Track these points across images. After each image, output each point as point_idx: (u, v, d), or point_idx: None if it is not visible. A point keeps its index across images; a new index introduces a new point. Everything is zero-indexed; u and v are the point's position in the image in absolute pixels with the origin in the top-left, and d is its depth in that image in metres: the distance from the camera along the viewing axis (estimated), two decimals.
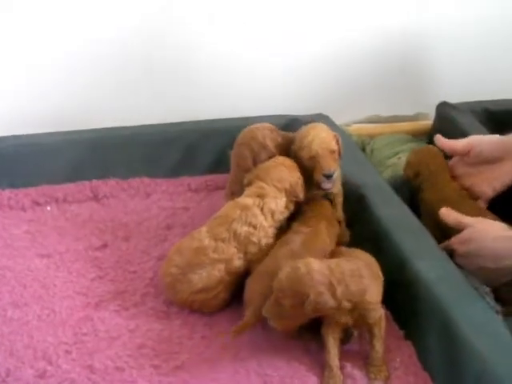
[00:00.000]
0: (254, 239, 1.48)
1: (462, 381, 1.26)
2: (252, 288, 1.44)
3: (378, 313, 1.35)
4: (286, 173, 1.54)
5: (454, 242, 1.54)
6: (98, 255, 1.67)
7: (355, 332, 1.41)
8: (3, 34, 1.98)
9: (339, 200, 1.67)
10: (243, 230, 1.48)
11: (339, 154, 1.62)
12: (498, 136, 1.73)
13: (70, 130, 1.97)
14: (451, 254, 1.53)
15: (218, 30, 2.12)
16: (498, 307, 1.49)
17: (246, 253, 1.48)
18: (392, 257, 1.50)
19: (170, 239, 1.72)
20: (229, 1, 2.11)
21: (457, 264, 1.50)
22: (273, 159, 1.58)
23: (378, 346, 1.35)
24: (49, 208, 1.85)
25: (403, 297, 1.45)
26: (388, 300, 1.48)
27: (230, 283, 1.48)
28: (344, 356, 1.37)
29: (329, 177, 1.57)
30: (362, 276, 1.32)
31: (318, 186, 1.59)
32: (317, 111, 2.09)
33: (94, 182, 1.92)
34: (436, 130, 2.17)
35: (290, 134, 1.67)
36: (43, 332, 1.42)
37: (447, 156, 1.80)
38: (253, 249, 1.48)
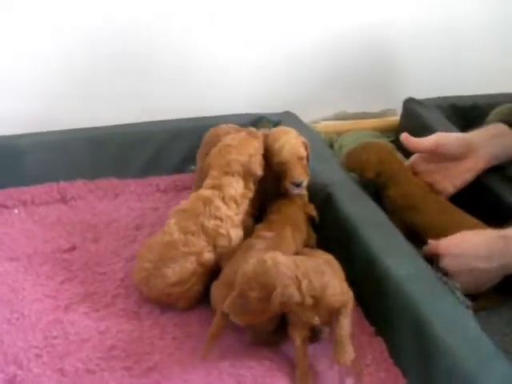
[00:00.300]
0: (223, 231, 1.48)
1: (433, 376, 1.26)
2: (216, 295, 1.44)
3: (343, 298, 1.33)
4: (235, 153, 1.52)
5: (442, 244, 1.54)
6: (66, 257, 1.66)
7: (324, 329, 1.40)
8: None
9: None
10: (210, 223, 1.47)
11: (307, 159, 1.64)
12: (462, 134, 1.76)
13: (36, 131, 1.96)
14: (432, 257, 1.54)
15: (180, 29, 2.12)
16: (468, 302, 1.50)
17: (215, 246, 1.48)
18: (361, 254, 1.51)
19: (140, 240, 1.71)
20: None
21: (437, 266, 1.52)
22: (221, 141, 1.57)
23: (343, 321, 1.32)
24: (16, 211, 1.84)
25: (374, 294, 1.45)
26: (359, 297, 1.49)
27: (202, 275, 1.48)
28: (317, 354, 1.37)
29: (298, 185, 1.59)
30: (323, 272, 1.32)
31: (286, 192, 1.62)
32: (284, 109, 2.09)
33: (62, 183, 1.91)
34: (403, 125, 2.19)
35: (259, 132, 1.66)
36: (13, 336, 1.41)
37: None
38: (222, 241, 1.48)
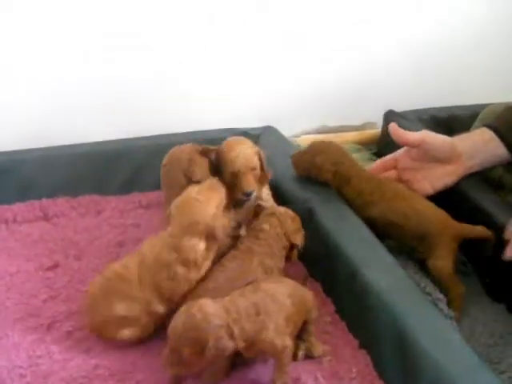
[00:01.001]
0: (178, 291, 1.43)
1: None
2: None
3: (280, 345, 1.29)
4: (200, 211, 1.45)
5: None
6: (49, 275, 1.65)
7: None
8: None
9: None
10: (165, 283, 1.43)
11: (262, 169, 1.65)
12: (448, 138, 1.76)
13: (17, 149, 1.95)
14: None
15: (153, 46, 2.13)
16: (451, 313, 1.51)
17: (169, 300, 1.44)
18: (343, 267, 1.51)
19: (122, 256, 1.67)
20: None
21: None
22: (187, 191, 1.50)
23: (278, 376, 1.30)
24: None
25: (356, 307, 1.46)
26: (343, 310, 1.50)
27: (151, 322, 1.44)
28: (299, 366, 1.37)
29: (248, 195, 1.60)
30: (258, 313, 1.28)
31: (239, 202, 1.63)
32: (265, 123, 2.10)
33: (44, 200, 1.90)
34: (384, 138, 2.19)
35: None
36: None
37: None
38: (177, 298, 1.43)
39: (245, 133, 2.05)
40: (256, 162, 1.63)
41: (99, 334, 1.45)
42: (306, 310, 1.40)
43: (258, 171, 1.64)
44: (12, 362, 1.39)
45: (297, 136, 2.28)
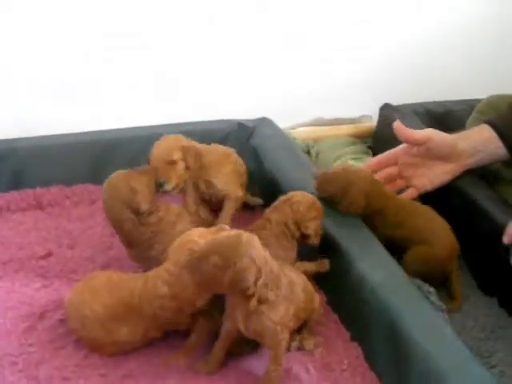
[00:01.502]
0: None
1: (409, 380, 1.27)
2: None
3: (279, 335, 1.30)
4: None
5: None
6: (42, 264, 1.66)
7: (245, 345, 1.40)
8: None
9: (229, 206, 1.70)
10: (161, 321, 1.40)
11: (187, 165, 1.65)
12: (451, 136, 1.76)
13: (11, 137, 1.95)
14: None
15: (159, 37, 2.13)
16: (443, 305, 1.51)
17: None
18: (337, 259, 1.52)
19: (116, 246, 1.70)
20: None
21: None
22: (187, 233, 1.41)
23: (272, 368, 1.30)
24: None
25: (349, 299, 1.46)
26: (335, 302, 1.50)
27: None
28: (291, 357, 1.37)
29: (160, 185, 1.61)
30: (279, 291, 1.30)
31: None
32: (260, 115, 2.09)
33: (38, 189, 1.90)
34: (379, 132, 2.20)
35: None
36: None
37: None
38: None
39: (239, 124, 2.05)
40: (175, 155, 1.64)
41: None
42: (311, 309, 1.41)
43: (181, 165, 1.64)
44: (3, 349, 1.39)
45: (292, 128, 2.28)
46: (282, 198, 1.57)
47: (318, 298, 1.44)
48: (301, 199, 1.54)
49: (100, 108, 2.12)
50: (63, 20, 2.00)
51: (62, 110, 2.08)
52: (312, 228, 1.53)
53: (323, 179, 1.66)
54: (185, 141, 1.68)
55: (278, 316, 1.29)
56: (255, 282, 1.24)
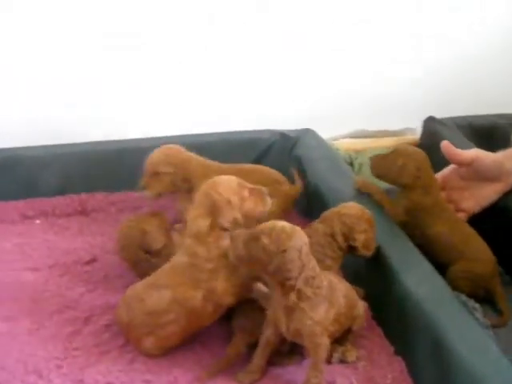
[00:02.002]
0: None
1: None
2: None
3: (318, 339, 1.30)
4: None
5: None
6: (87, 269, 1.68)
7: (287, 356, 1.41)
8: None
9: None
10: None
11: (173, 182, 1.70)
12: (497, 156, 1.74)
13: (58, 143, 1.97)
14: None
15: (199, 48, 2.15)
16: (487, 322, 1.50)
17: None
18: (381, 273, 1.52)
19: None
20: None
21: None
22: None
23: (312, 375, 1.30)
24: (38, 221, 1.86)
25: (393, 313, 1.46)
26: (379, 316, 1.49)
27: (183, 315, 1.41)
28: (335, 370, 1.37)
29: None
30: (320, 291, 1.31)
31: None
32: (304, 126, 2.10)
33: (83, 195, 1.93)
34: (423, 144, 2.19)
35: None
36: (33, 346, 1.41)
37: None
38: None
39: (282, 134, 2.06)
40: (162, 168, 1.69)
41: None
42: (353, 316, 1.41)
43: (166, 178, 1.69)
44: (49, 353, 1.40)
45: (335, 139, 2.28)
46: (333, 209, 1.57)
47: (362, 306, 1.44)
48: (349, 211, 1.54)
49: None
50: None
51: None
52: (360, 241, 1.52)
53: (377, 157, 1.72)
54: (182, 154, 1.73)
55: (317, 316, 1.30)
56: (297, 276, 1.26)
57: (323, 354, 1.31)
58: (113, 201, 1.93)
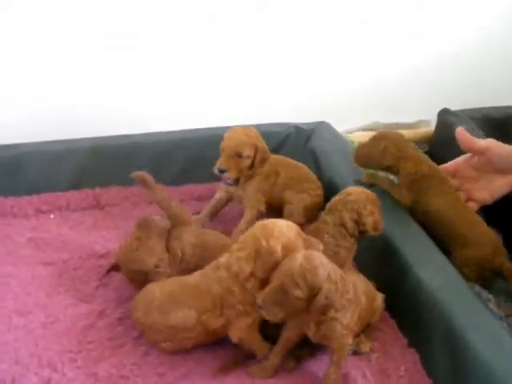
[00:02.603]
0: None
1: None
2: None
3: (344, 341, 1.31)
4: None
5: None
6: (101, 263, 1.67)
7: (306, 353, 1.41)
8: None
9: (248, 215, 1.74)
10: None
11: (252, 163, 1.70)
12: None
13: (72, 138, 1.97)
14: None
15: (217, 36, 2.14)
16: (502, 313, 1.50)
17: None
18: (395, 265, 1.51)
19: None
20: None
21: None
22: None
23: (332, 371, 1.31)
24: (52, 216, 1.86)
25: (407, 305, 1.46)
26: (392, 308, 1.49)
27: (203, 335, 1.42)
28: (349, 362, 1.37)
29: (221, 171, 1.67)
30: (348, 296, 1.31)
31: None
32: (319, 118, 2.09)
33: (97, 189, 1.93)
34: (437, 137, 2.18)
35: None
36: (48, 340, 1.42)
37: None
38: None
39: (296, 127, 2.06)
40: (246, 151, 1.68)
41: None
42: (373, 310, 1.42)
43: (246, 161, 1.69)
44: (63, 346, 1.41)
45: (350, 132, 2.28)
46: (336, 198, 1.57)
47: (379, 298, 1.45)
48: (355, 197, 1.53)
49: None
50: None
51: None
52: (370, 224, 1.52)
53: (359, 147, 1.75)
54: (258, 136, 1.73)
55: (346, 320, 1.30)
56: (336, 295, 1.26)
57: (346, 353, 1.32)
58: (127, 195, 1.93)
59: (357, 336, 1.40)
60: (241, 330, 1.37)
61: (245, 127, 1.74)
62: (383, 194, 1.68)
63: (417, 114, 2.39)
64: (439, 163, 1.80)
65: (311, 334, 1.31)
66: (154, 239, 1.55)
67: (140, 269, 1.51)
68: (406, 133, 2.25)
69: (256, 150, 1.70)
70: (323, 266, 1.24)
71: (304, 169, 1.85)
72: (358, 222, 1.52)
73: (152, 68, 2.13)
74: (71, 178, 1.93)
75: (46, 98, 2.05)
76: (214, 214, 1.83)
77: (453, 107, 2.18)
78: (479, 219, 1.67)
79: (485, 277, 1.61)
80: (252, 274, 1.32)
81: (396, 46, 2.28)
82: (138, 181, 1.65)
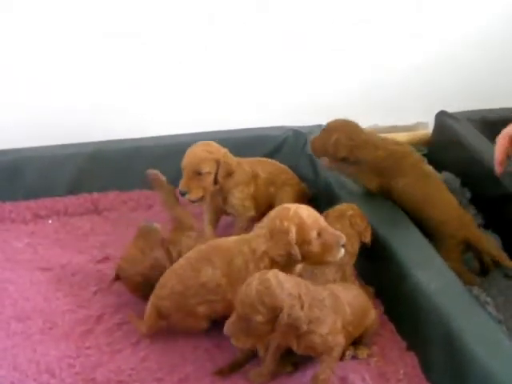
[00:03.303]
0: None
1: None
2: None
3: (332, 341, 1.30)
4: None
5: None
6: (100, 268, 1.68)
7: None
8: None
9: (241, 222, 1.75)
10: None
11: (216, 179, 1.68)
12: None
13: (70, 142, 1.97)
14: None
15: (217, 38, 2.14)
16: (500, 316, 1.49)
17: None
18: (393, 268, 1.51)
19: None
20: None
21: None
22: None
23: (321, 371, 1.30)
24: (50, 221, 1.87)
25: (405, 308, 1.46)
26: (391, 311, 1.49)
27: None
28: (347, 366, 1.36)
29: (182, 194, 1.65)
30: (323, 305, 1.30)
31: None
32: (316, 122, 2.09)
33: (95, 194, 1.93)
34: (435, 139, 2.18)
35: None
36: (46, 345, 1.43)
37: None
38: None
39: (294, 131, 2.06)
40: (205, 167, 1.66)
41: None
42: (365, 324, 1.40)
43: (208, 178, 1.67)
44: (61, 351, 1.41)
45: None
46: (330, 213, 1.56)
47: (373, 313, 1.43)
48: (354, 212, 1.55)
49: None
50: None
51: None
52: (367, 238, 1.54)
53: (313, 139, 1.78)
54: (219, 150, 1.70)
55: (326, 329, 1.29)
56: (302, 309, 1.25)
57: (338, 354, 1.32)
58: (125, 200, 1.93)
59: (354, 343, 1.40)
60: None
61: (206, 142, 1.71)
62: (382, 199, 1.69)
63: (415, 116, 2.38)
64: (438, 165, 1.81)
65: (295, 348, 1.30)
66: (156, 251, 1.55)
67: (145, 281, 1.52)
68: (404, 135, 2.28)
69: (218, 164, 1.67)
70: (280, 285, 1.23)
71: (278, 164, 1.87)
72: (360, 236, 1.54)
73: (150, 72, 2.13)
74: (69, 182, 1.94)
75: (44, 102, 2.06)
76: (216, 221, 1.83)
77: (451, 109, 2.17)
78: (444, 196, 1.70)
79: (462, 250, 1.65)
80: (266, 253, 1.34)
81: (395, 47, 2.28)
82: (150, 179, 1.67)
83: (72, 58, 2.06)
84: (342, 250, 1.36)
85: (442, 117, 2.17)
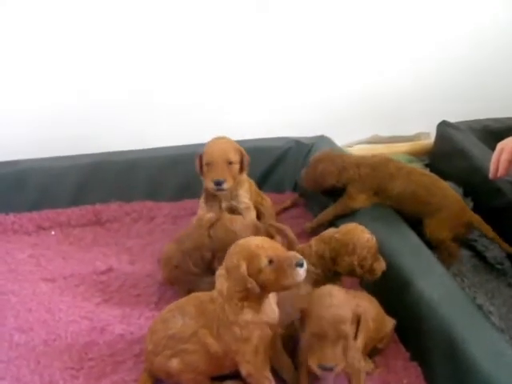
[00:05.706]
0: None
1: None
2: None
3: (358, 367, 1.31)
4: None
5: None
6: (103, 279, 1.68)
7: None
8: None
9: (249, 214, 1.75)
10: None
11: (242, 167, 1.71)
12: None
13: (72, 154, 1.98)
14: None
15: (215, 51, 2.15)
16: (503, 326, 1.49)
17: None
18: (395, 277, 1.51)
19: None
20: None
21: None
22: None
23: None
24: (53, 232, 1.87)
25: (408, 317, 1.45)
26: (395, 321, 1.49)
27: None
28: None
29: (218, 183, 1.65)
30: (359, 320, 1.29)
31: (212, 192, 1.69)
32: (319, 132, 2.09)
33: (98, 205, 1.94)
34: (437, 149, 2.18)
35: None
36: (49, 357, 1.43)
37: None
38: None
39: (297, 142, 2.06)
40: (234, 156, 1.68)
41: None
42: (380, 337, 1.41)
43: (236, 166, 1.69)
44: (64, 363, 1.41)
45: (350, 145, 2.28)
46: (349, 239, 1.50)
47: (390, 324, 1.44)
48: (369, 239, 1.49)
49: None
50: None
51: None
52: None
53: (302, 175, 1.87)
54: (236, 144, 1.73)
55: (359, 351, 1.31)
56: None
57: (363, 376, 1.32)
58: (127, 211, 1.94)
59: None
60: (246, 362, 1.32)
61: (221, 136, 1.73)
62: (383, 207, 1.70)
63: (417, 126, 2.38)
64: (440, 175, 1.81)
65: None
66: None
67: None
68: (404, 146, 2.28)
69: (241, 154, 1.70)
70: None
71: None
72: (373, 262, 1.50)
73: (151, 83, 2.14)
74: (72, 194, 1.95)
75: (47, 114, 2.07)
76: None
77: (452, 119, 2.18)
78: (440, 183, 1.77)
79: (459, 233, 1.72)
80: (229, 291, 1.31)
81: (394, 61, 2.29)
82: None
83: (74, 71, 2.07)
84: (301, 270, 1.29)
85: (443, 127, 2.18)
